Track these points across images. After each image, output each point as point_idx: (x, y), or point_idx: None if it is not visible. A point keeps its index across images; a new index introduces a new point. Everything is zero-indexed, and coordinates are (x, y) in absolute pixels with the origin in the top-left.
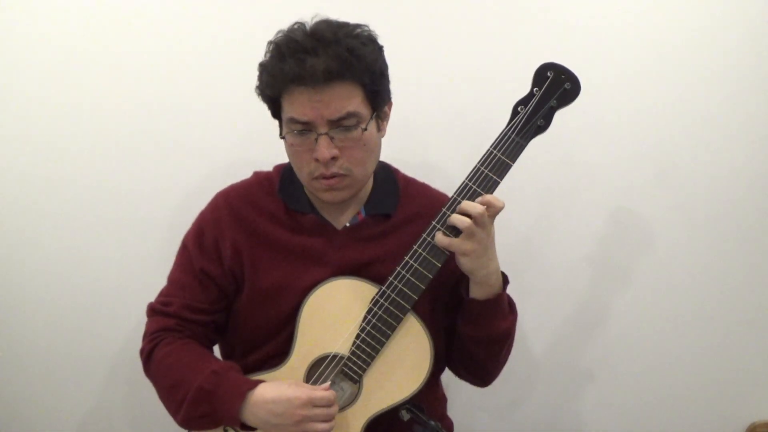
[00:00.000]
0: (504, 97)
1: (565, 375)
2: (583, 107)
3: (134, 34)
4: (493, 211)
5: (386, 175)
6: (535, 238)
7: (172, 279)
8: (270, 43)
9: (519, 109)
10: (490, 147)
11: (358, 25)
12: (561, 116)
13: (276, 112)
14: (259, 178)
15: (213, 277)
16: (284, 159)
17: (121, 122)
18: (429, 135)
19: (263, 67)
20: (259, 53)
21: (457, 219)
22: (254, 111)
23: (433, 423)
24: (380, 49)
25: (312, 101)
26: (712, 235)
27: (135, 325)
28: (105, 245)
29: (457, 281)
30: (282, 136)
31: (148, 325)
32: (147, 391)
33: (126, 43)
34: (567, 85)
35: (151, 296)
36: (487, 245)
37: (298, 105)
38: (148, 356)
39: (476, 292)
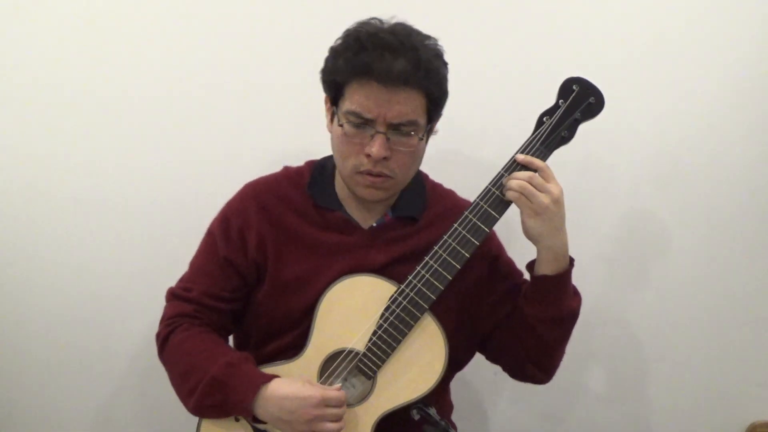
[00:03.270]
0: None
1: (565, 375)
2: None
3: (136, 31)
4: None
5: (415, 178)
6: None
7: (194, 265)
8: (347, 31)
9: (544, 119)
10: (515, 154)
11: (430, 37)
12: None
13: (335, 98)
14: (288, 172)
15: (236, 265)
16: (295, 161)
17: (122, 121)
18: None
19: (336, 52)
20: (260, 53)
21: (511, 181)
22: (256, 112)
23: (443, 423)
24: (446, 65)
25: (379, 99)
26: (711, 235)
27: (142, 324)
28: (108, 246)
29: (493, 279)
30: (339, 124)
31: (166, 309)
32: (152, 389)
33: (127, 42)
34: (591, 100)
35: (154, 296)
36: (557, 211)
37: (364, 99)
38: (164, 341)
39: (544, 266)
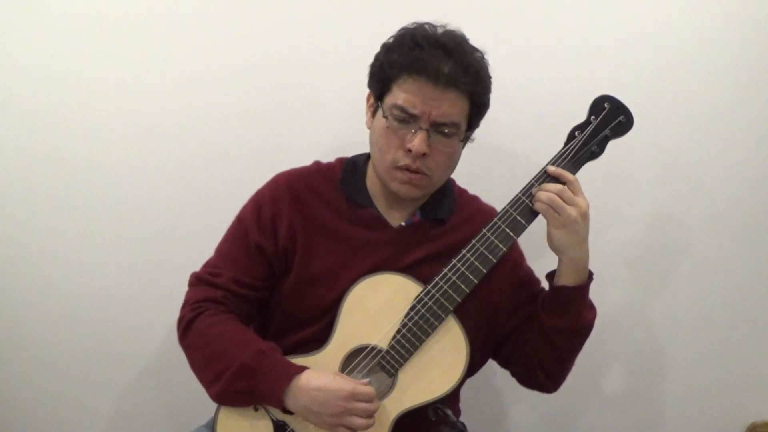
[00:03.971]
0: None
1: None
2: None
3: (141, 30)
4: (575, 188)
5: (445, 182)
6: None
7: (222, 251)
8: (403, 29)
9: (576, 133)
10: (547, 165)
11: (479, 50)
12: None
13: (380, 93)
14: (320, 166)
15: (266, 253)
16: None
17: (124, 120)
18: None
19: (390, 48)
20: (262, 53)
21: (540, 193)
22: (259, 114)
23: (460, 424)
24: (490, 78)
25: (427, 96)
26: (712, 236)
27: (143, 324)
28: (110, 245)
29: (514, 287)
30: (384, 115)
31: (190, 293)
32: (152, 389)
33: (131, 40)
34: (622, 118)
35: (156, 297)
36: (578, 224)
37: (412, 95)
38: (188, 324)
39: (565, 277)
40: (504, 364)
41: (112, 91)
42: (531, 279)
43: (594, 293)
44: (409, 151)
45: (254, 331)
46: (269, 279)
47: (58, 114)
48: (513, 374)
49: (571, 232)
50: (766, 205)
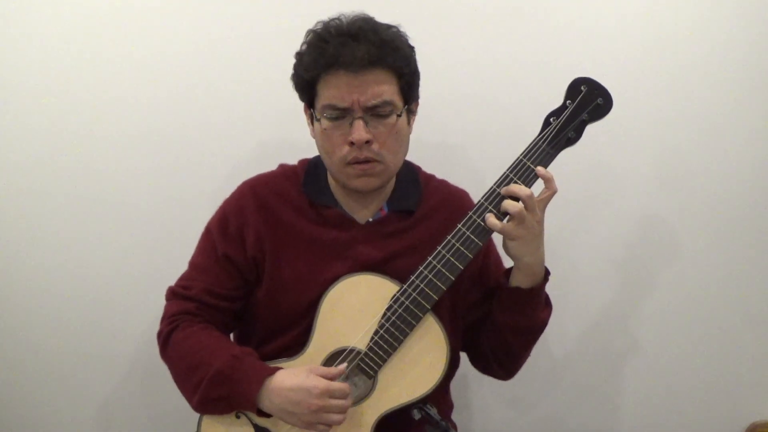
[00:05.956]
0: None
1: (564, 376)
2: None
3: (139, 30)
4: (547, 197)
5: (409, 172)
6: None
7: (193, 263)
8: (309, 31)
9: (551, 120)
10: (520, 155)
11: (391, 25)
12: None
13: (309, 100)
14: (285, 170)
15: (235, 263)
16: (292, 158)
17: (121, 121)
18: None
19: (301, 54)
20: (263, 53)
21: (509, 204)
22: (259, 112)
23: (444, 423)
24: (413, 48)
25: (350, 86)
26: (711, 236)
27: (142, 324)
28: (105, 246)
29: (482, 277)
30: (317, 119)
31: (167, 307)
32: (151, 390)
33: (130, 40)
34: (599, 101)
35: (153, 297)
36: (537, 232)
37: (335, 89)
38: (166, 339)
39: (520, 280)
40: (461, 348)
41: (112, 90)
42: (498, 270)
43: (594, 293)
44: (353, 143)
45: (236, 341)
46: (241, 288)
47: (56, 114)
48: (470, 360)
49: (526, 242)
50: (764, 204)
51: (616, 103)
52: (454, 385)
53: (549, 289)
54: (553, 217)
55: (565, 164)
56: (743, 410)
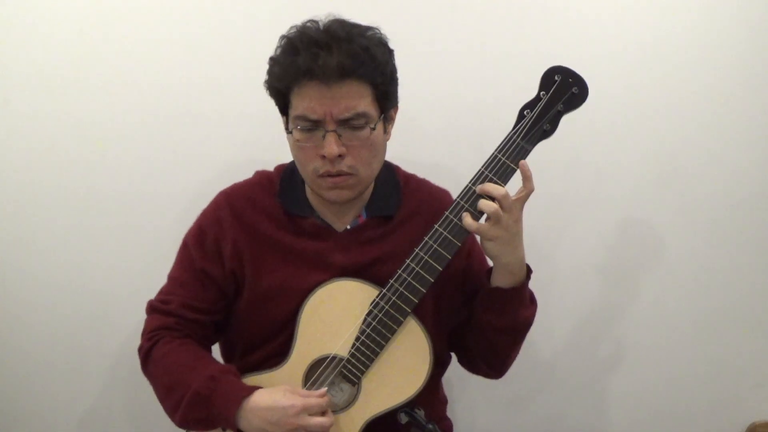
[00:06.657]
0: (509, 97)
1: (564, 375)
2: (589, 110)
3: (135, 34)
4: (524, 196)
5: (388, 174)
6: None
7: (172, 277)
8: (282, 37)
9: (525, 112)
10: (495, 151)
11: (370, 27)
12: (567, 119)
13: (283, 108)
14: (261, 178)
15: (213, 277)
16: (287, 158)
17: (121, 124)
18: (432, 136)
19: (274, 61)
20: (261, 52)
21: (484, 204)
22: (256, 110)
23: (430, 426)
24: (391, 52)
25: (323, 98)
26: (712, 236)
27: (135, 325)
28: (104, 246)
29: (466, 277)
30: (288, 131)
31: (147, 322)
32: (146, 391)
33: (126, 44)
34: (575, 90)
35: (151, 296)
36: (514, 232)
37: (307, 101)
38: (146, 354)
39: (500, 280)
40: (449, 348)
41: (111, 90)
42: (482, 269)
43: (595, 292)
44: (325, 157)
45: (220, 352)
46: (221, 301)
47: (56, 114)
48: (458, 361)
49: (504, 242)
50: (765, 206)
51: (606, 101)
52: (449, 383)
53: (550, 288)
54: (553, 216)
55: (557, 162)
56: (743, 410)
